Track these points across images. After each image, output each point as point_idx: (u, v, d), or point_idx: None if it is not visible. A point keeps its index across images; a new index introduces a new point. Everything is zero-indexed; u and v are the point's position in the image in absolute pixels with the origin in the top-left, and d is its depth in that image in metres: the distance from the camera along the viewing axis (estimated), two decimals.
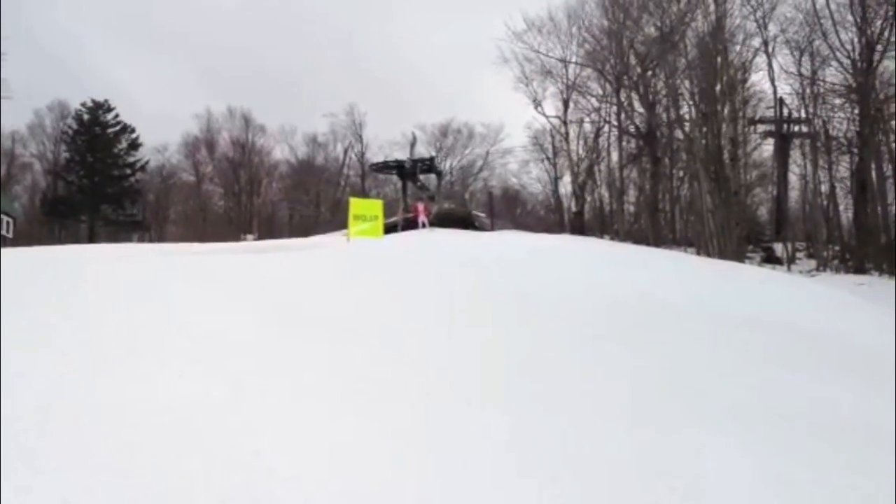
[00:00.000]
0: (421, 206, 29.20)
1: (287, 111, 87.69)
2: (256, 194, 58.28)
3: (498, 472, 4.17)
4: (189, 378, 5.07)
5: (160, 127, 75.39)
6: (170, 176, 59.94)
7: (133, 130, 55.87)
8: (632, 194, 46.85)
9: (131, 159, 56.17)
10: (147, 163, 57.12)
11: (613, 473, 4.33)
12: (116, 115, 55.75)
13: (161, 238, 52.80)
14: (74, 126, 55.53)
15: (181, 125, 72.09)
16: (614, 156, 46.53)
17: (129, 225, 53.68)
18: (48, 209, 53.30)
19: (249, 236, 40.48)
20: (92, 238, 48.55)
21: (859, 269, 31.21)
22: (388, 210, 25.40)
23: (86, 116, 55.18)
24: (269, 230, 50.09)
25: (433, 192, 35.09)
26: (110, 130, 55.63)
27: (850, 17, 34.95)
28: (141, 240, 46.59)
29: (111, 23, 75.27)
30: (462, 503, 3.82)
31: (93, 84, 74.87)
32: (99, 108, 55.24)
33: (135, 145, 56.20)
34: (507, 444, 4.55)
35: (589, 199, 48.90)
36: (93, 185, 53.16)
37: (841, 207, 38.47)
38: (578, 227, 42.55)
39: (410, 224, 28.64)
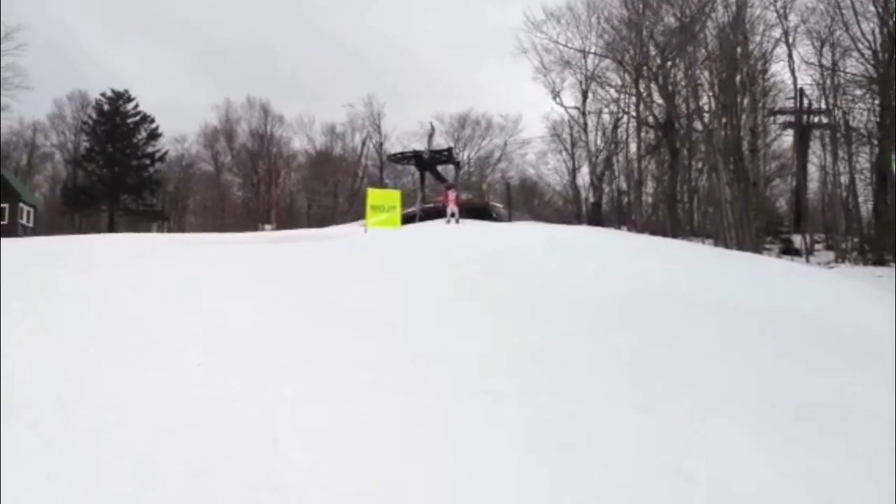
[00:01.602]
0: (452, 195, 26.66)
1: (306, 101, 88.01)
2: (275, 184, 58.42)
3: (520, 458, 4.25)
4: (208, 366, 5.18)
5: (179, 117, 75.71)
6: (189, 166, 60.25)
7: (153, 120, 56.27)
8: (650, 185, 46.71)
9: (151, 149, 56.54)
10: (166, 153, 57.55)
11: (624, 459, 4.40)
12: (136, 105, 56.14)
13: (180, 228, 53.11)
14: (94, 116, 55.94)
15: (200, 115, 72.29)
16: (632, 147, 46.45)
17: (148, 215, 53.93)
18: (68, 199, 53.67)
19: (268, 226, 40.60)
20: (112, 227, 48.91)
21: (878, 261, 30.96)
22: (406, 200, 25.53)
23: (106, 106, 55.53)
24: (288, 220, 50.28)
25: (451, 182, 34.97)
26: (130, 120, 55.94)
27: (871, 8, 34.61)
28: (160, 229, 46.85)
29: (127, 13, 75.38)
30: (476, 481, 3.91)
31: (111, 74, 75.13)
32: (119, 98, 55.56)
33: (154, 135, 56.53)
34: (523, 439, 4.63)
35: (607, 189, 48.80)
36: (113, 175, 53.46)
37: (860, 199, 38.11)
38: (596, 218, 42.46)
39: (429, 214, 28.61)
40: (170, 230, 48.65)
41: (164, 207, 57.82)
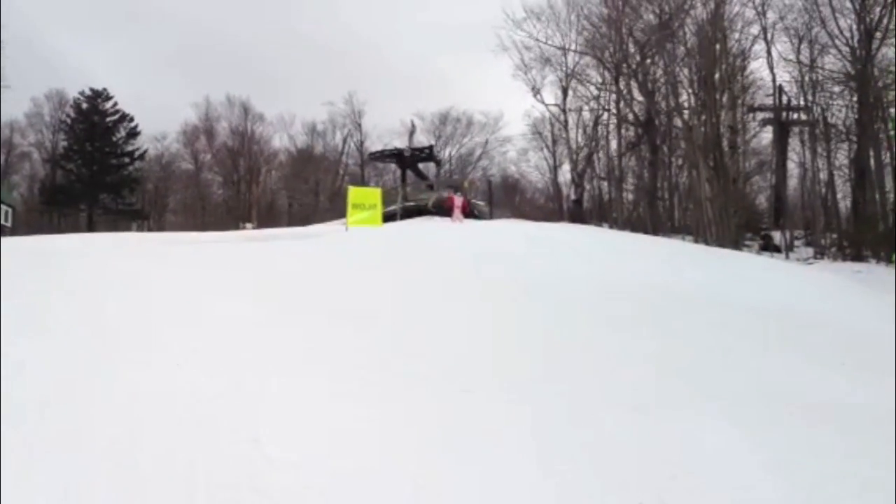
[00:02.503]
0: (458, 201, 25.12)
1: (286, 100, 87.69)
2: (255, 183, 58.21)
3: (506, 453, 4.23)
4: (190, 365, 5.13)
5: (158, 116, 75.17)
6: (169, 164, 59.89)
7: (132, 119, 55.88)
8: (630, 182, 46.85)
9: (130, 148, 56.21)
10: (146, 151, 57.20)
11: (613, 450, 4.40)
12: (115, 104, 55.73)
13: (160, 227, 52.87)
14: (73, 115, 55.46)
15: (180, 114, 71.81)
16: (613, 144, 46.58)
17: (128, 214, 53.65)
18: (47, 198, 53.29)
19: (248, 225, 40.44)
20: (91, 227, 48.54)
21: (857, 257, 31.26)
22: (388, 198, 25.43)
23: (84, 105, 55.15)
24: (269, 219, 50.07)
25: (432, 180, 34.99)
26: (109, 119, 55.58)
27: (848, 5, 34.94)
28: (140, 228, 46.58)
29: (104, 10, 74.77)
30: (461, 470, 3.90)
31: (89, 73, 74.52)
32: (97, 97, 55.20)
33: (133, 134, 56.18)
34: (510, 435, 4.62)
35: (588, 187, 48.95)
36: (91, 174, 53.13)
37: (839, 195, 38.47)
38: (577, 215, 42.61)
39: (410, 212, 28.55)
40: (149, 229, 48.44)
41: (144, 206, 57.53)
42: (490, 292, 9.01)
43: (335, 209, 39.96)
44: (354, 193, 19.35)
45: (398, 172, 38.78)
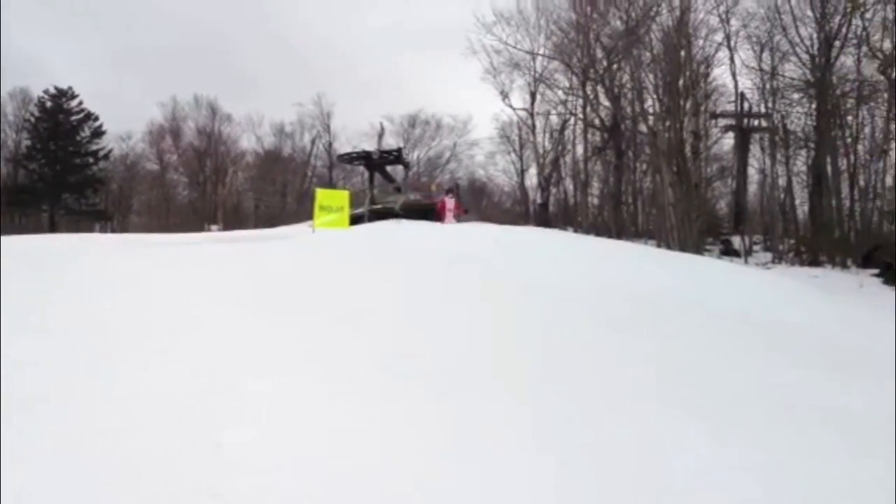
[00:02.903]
0: (451, 203, 23.23)
1: (254, 100, 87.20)
2: (222, 184, 57.83)
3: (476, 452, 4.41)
4: (153, 367, 5.18)
5: (124, 115, 74.32)
6: (133, 165, 59.26)
7: (97, 118, 55.10)
8: (596, 187, 47.30)
9: (94, 147, 55.42)
10: (110, 151, 56.50)
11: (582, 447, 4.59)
12: (80, 103, 54.97)
13: (124, 228, 52.25)
14: (37, 113, 54.64)
15: (146, 113, 71.14)
16: (579, 148, 46.99)
17: (91, 214, 52.89)
18: (9, 198, 52.34)
19: (214, 227, 40.25)
20: (53, 227, 47.87)
21: (814, 262, 31.88)
22: (355, 201, 25.44)
23: (48, 104, 54.32)
24: (235, 221, 49.79)
25: (400, 183, 34.98)
26: (73, 118, 54.80)
27: (809, 13, 35.62)
28: (103, 229, 46.03)
29: (69, 7, 73.85)
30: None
31: (54, 71, 73.64)
32: (62, 96, 54.41)
33: (98, 133, 55.45)
34: (475, 436, 4.80)
35: (554, 191, 49.36)
36: (55, 174, 52.36)
37: (797, 201, 39.18)
38: (543, 218, 42.93)
39: (378, 215, 28.52)
40: (113, 230, 47.88)
41: (108, 207, 56.81)
42: (454, 295, 9.16)
43: (302, 211, 39.86)
44: (322, 195, 19.41)
45: (366, 175, 38.70)
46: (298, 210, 47.16)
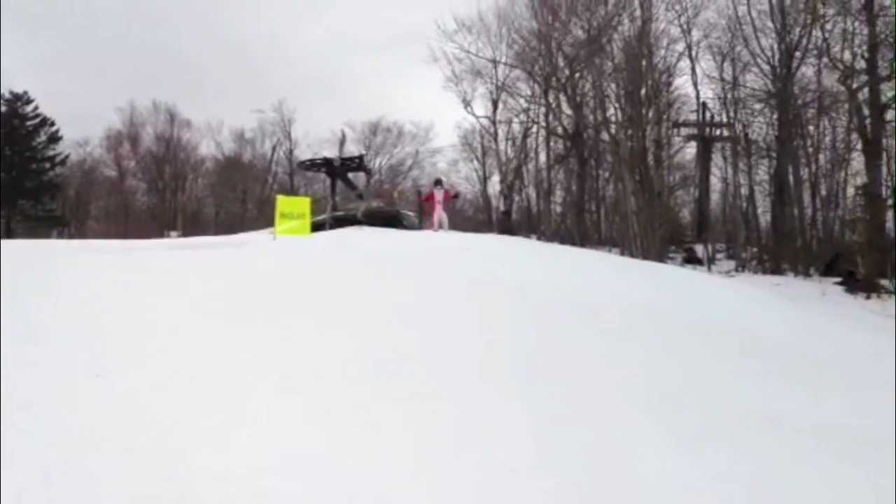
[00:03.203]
0: (439, 195, 21.21)
1: (214, 106, 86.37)
2: (181, 190, 57.19)
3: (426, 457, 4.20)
4: (107, 375, 4.99)
5: (81, 121, 73.28)
6: (91, 171, 58.40)
7: (53, 123, 54.26)
8: (559, 195, 47.42)
9: (51, 153, 54.52)
10: (67, 157, 55.58)
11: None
12: (36, 108, 54.05)
13: (82, 234, 51.42)
14: None
15: (103, 119, 70.05)
16: (542, 156, 47.08)
17: (48, 220, 52.11)
18: None
19: (173, 233, 39.65)
20: (9, 234, 46.94)
21: (776, 270, 32.12)
22: (317, 208, 25.13)
23: (3, 108, 53.34)
24: (194, 227, 49.15)
25: (361, 190, 34.74)
26: (29, 123, 53.86)
27: (770, 24, 35.95)
28: (60, 236, 45.27)
29: (25, 10, 72.58)
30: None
31: (9, 75, 72.31)
32: (17, 100, 53.47)
33: (54, 139, 54.58)
34: (431, 443, 4.59)
35: (517, 198, 49.40)
36: (10, 179, 51.41)
37: (759, 210, 39.53)
38: (506, 226, 42.88)
39: (340, 222, 28.21)
40: (70, 236, 47.13)
41: (65, 213, 55.96)
42: (417, 302, 8.98)
43: (263, 218, 39.41)
44: (283, 202, 19.16)
45: (328, 182, 38.41)
46: (259, 217, 46.72)
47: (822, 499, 4.39)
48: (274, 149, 58.79)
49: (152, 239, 25.41)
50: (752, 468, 4.73)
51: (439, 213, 20.71)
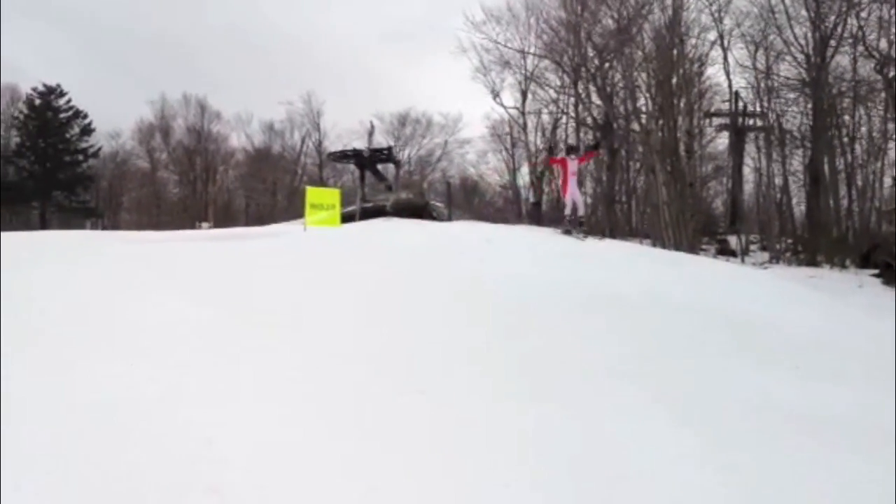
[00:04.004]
0: (573, 164, 16.60)
1: (243, 98, 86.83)
2: (212, 182, 57.60)
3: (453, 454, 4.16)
4: (139, 367, 5.00)
5: (113, 113, 73.94)
6: (123, 162, 59.04)
7: (86, 116, 55.12)
8: (589, 185, 47.09)
9: (84, 145, 55.44)
10: (100, 149, 56.36)
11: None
12: (69, 101, 54.90)
13: (114, 225, 52.06)
14: (25, 111, 54.43)
15: (135, 111, 70.69)
16: None
17: (81, 211, 52.85)
18: None
19: (205, 224, 39.96)
20: (43, 224, 47.69)
21: (811, 262, 31.75)
22: (346, 199, 25.16)
23: (37, 101, 54.20)
24: (225, 218, 49.50)
25: (391, 181, 34.76)
26: (62, 115, 54.68)
27: (804, 13, 35.46)
28: (94, 227, 45.81)
29: (57, 4, 73.39)
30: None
31: (44, 69, 73.15)
32: (51, 93, 54.30)
33: (87, 131, 55.40)
34: (457, 434, 4.56)
35: (546, 189, 49.12)
36: (44, 171, 52.39)
37: (794, 201, 39.08)
38: (536, 217, 42.66)
39: (369, 213, 28.23)
40: (103, 227, 47.67)
41: (98, 204, 56.71)
42: (443, 294, 8.93)
43: (293, 209, 39.57)
44: (312, 193, 19.15)
45: (357, 173, 38.48)
46: (289, 208, 46.92)
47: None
48: (303, 140, 59.01)
49: (185, 230, 25.65)
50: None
51: (572, 191, 16.36)
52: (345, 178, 51.24)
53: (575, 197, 16.55)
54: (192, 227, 36.10)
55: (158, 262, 9.39)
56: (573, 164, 16.43)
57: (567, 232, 16.11)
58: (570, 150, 17.37)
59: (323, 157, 54.41)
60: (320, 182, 50.15)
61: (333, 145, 52.07)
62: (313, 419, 4.61)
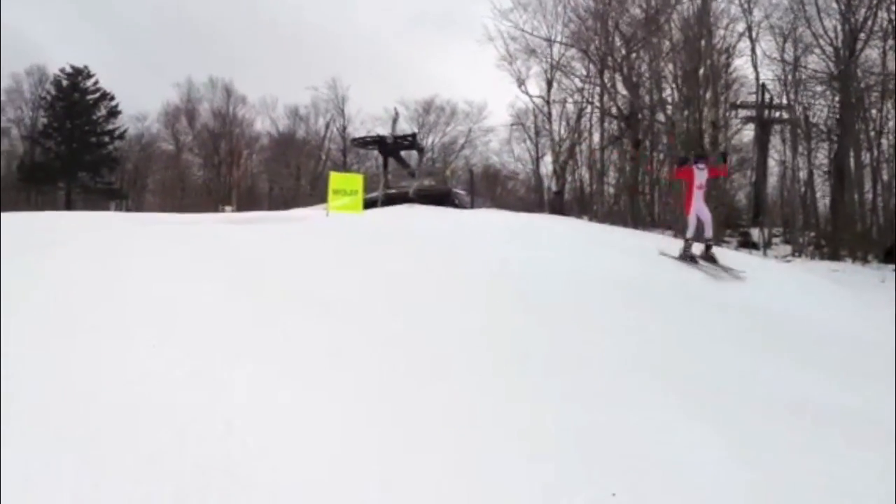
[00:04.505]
0: (702, 174, 13.97)
1: (269, 83, 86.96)
2: (236, 166, 57.85)
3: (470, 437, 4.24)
4: (160, 348, 5.09)
5: (140, 96, 74.44)
6: (149, 145, 59.40)
7: (112, 98, 55.39)
8: (612, 176, 46.93)
9: (110, 127, 55.69)
10: (126, 131, 56.65)
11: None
12: (96, 82, 55.24)
13: (139, 207, 52.41)
14: (53, 92, 54.81)
15: (161, 95, 71.10)
16: (596, 137, 46.59)
17: (106, 193, 53.25)
18: (25, 175, 52.68)
19: (228, 208, 40.20)
20: (69, 205, 48.12)
21: (834, 256, 31.52)
22: (369, 185, 25.29)
23: (64, 82, 54.54)
24: (249, 202, 49.77)
25: (414, 168, 34.83)
26: (89, 97, 55.04)
27: (834, 5, 35.07)
28: (118, 208, 46.23)
29: None
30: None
31: (72, 50, 73.72)
32: (78, 75, 54.59)
33: (114, 113, 55.73)
34: (473, 419, 4.64)
35: (569, 179, 48.97)
36: (70, 152, 52.75)
37: (818, 194, 38.74)
38: (558, 206, 42.58)
39: (392, 200, 28.32)
40: (128, 209, 48.08)
41: (123, 186, 57.11)
42: (462, 281, 9.01)
43: (316, 194, 39.74)
44: (336, 179, 19.27)
45: (380, 159, 38.57)
46: (312, 193, 47.09)
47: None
48: (327, 126, 59.10)
49: (207, 213, 25.81)
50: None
51: (698, 208, 13.81)
52: (368, 164, 51.37)
53: (701, 214, 13.80)
54: (216, 210, 36.31)
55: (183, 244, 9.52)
56: (701, 176, 13.88)
57: (688, 258, 13.55)
58: (699, 158, 14.79)
59: (347, 142, 54.53)
60: (344, 168, 50.29)
61: (357, 131, 52.21)
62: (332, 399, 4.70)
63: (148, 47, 71.64)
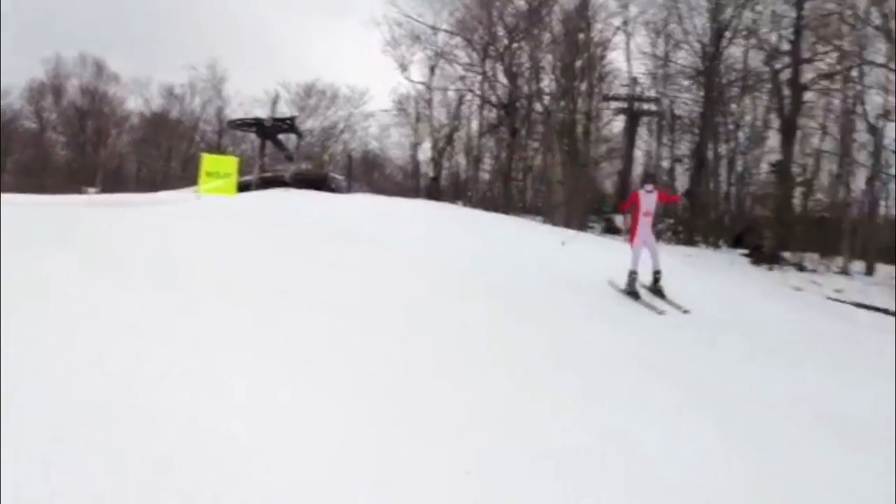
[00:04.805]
0: (650, 198, 13.03)
1: (143, 61, 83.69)
2: (103, 145, 55.56)
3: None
4: None
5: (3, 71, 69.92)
6: (9, 123, 56.17)
7: None
8: (487, 163, 47.66)
9: None
10: None
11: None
12: None
13: None
14: None
15: (27, 71, 67.41)
16: (474, 124, 47.22)
17: None
18: None
19: (91, 189, 38.61)
20: None
21: (689, 241, 33.21)
22: (245, 168, 24.94)
23: None
24: (115, 184, 47.86)
25: (292, 152, 34.52)
26: None
27: (704, 3, 36.85)
28: None
29: None
30: None
31: None
32: None
33: None
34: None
35: (446, 165, 49.43)
36: None
37: (677, 183, 40.49)
38: (434, 192, 43.00)
39: (267, 183, 28.00)
40: None
41: None
42: (336, 263, 9.17)
43: (187, 176, 38.74)
44: (209, 161, 19.07)
45: (257, 142, 37.97)
46: (183, 175, 45.85)
47: None
48: (203, 106, 57.52)
49: (68, 195, 24.75)
50: None
51: (644, 236, 12.77)
52: (244, 147, 50.30)
53: (648, 245, 12.75)
54: (78, 192, 34.78)
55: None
56: (648, 200, 12.85)
57: (631, 294, 12.34)
58: (647, 178, 14.39)
59: (223, 124, 53.23)
60: (218, 150, 49.06)
61: (235, 113, 50.99)
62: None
63: (13, 20, 67.75)
